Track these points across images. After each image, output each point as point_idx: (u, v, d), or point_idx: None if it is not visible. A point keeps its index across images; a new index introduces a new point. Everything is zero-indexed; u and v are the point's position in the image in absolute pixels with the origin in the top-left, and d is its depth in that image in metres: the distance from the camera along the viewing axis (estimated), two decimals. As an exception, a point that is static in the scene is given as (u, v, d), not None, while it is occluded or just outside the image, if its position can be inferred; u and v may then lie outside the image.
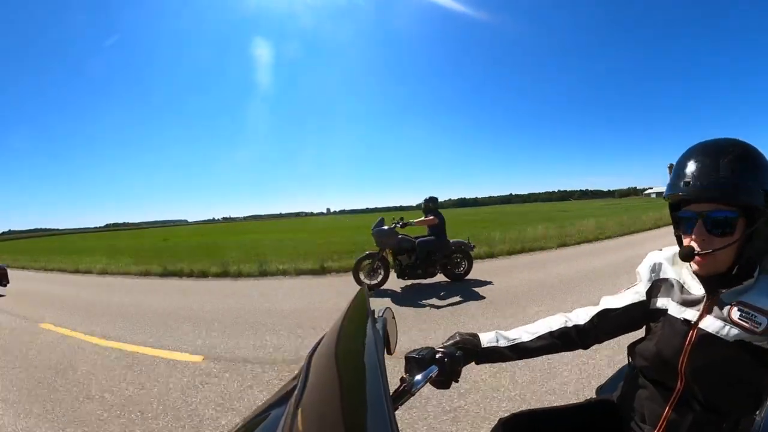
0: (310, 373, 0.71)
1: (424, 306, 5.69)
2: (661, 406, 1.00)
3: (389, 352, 0.90)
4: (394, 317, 0.99)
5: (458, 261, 7.30)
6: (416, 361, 0.93)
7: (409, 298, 6.27)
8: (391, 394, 0.78)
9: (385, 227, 6.92)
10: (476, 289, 6.49)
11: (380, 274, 6.85)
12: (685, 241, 0.95)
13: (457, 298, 5.97)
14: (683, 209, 0.95)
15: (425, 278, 7.04)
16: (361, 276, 6.82)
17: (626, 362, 1.20)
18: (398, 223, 7.06)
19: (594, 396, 1.35)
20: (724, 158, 0.88)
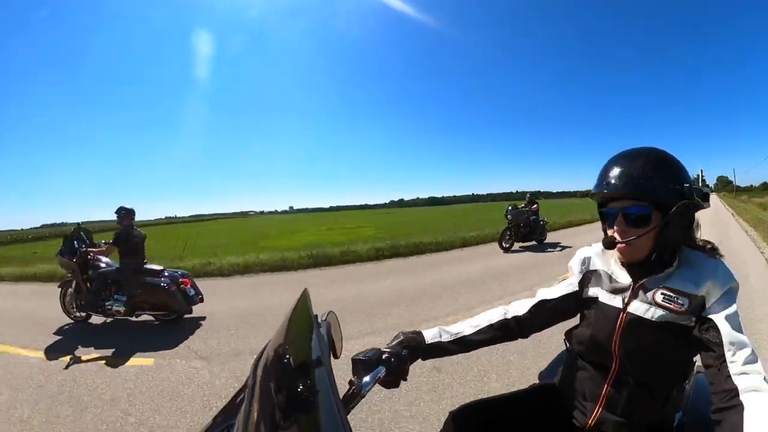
0: (257, 383, 0.67)
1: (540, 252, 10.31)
2: (600, 384, 1.08)
3: (335, 356, 0.89)
4: (337, 320, 0.98)
5: (542, 231, 11.69)
6: (363, 363, 0.93)
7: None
8: (341, 398, 0.76)
9: (519, 210, 11.19)
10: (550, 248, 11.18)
11: (511, 240, 10.71)
12: (609, 233, 1.05)
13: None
14: (607, 206, 1.06)
15: (531, 241, 11.29)
16: (503, 243, 10.63)
17: (564, 348, 1.28)
18: (525, 207, 11.45)
19: (537, 381, 1.43)
20: (639, 162, 1.00)
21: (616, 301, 1.06)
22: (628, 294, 1.05)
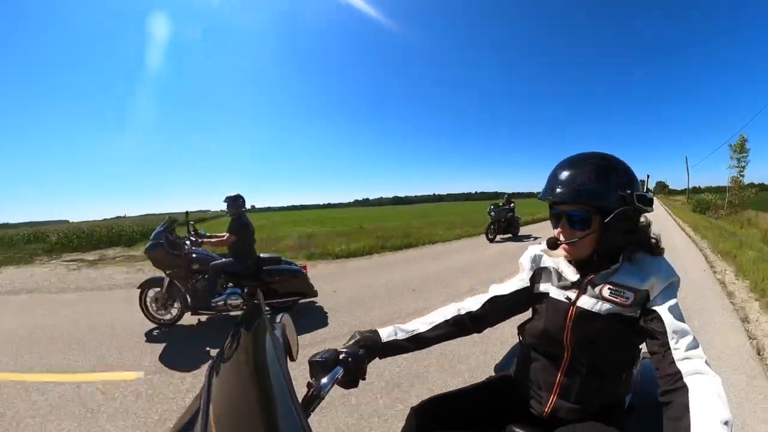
0: (212, 392, 0.65)
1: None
2: (553, 374, 1.15)
3: (292, 359, 0.88)
4: (291, 322, 0.97)
5: (517, 225, 13.34)
6: (320, 365, 0.93)
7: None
8: (300, 401, 0.75)
9: (500, 208, 12.70)
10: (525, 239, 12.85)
11: (495, 233, 12.50)
12: (554, 233, 1.12)
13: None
14: (554, 208, 1.12)
15: (509, 234, 13.07)
16: (488, 235, 12.52)
17: (517, 341, 1.34)
18: (504, 205, 12.90)
19: (493, 374, 1.48)
20: (583, 169, 1.05)
21: (566, 296, 1.13)
22: (576, 289, 1.12)
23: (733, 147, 26.42)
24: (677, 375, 0.89)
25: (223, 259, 4.74)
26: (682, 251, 9.49)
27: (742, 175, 26.59)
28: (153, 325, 4.60)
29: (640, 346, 1.15)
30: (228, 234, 4.71)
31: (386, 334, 1.10)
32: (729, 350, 3.49)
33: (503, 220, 12.67)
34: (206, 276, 4.65)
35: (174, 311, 4.65)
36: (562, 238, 1.09)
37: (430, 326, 1.16)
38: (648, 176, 1.18)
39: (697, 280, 6.17)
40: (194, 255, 4.69)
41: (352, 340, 1.05)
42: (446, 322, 1.17)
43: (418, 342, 1.13)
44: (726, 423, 0.76)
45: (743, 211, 24.36)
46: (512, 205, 13.19)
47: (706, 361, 0.90)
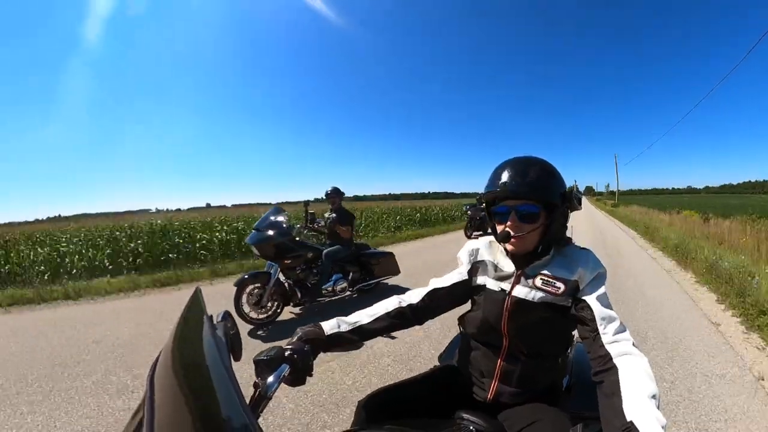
0: (156, 398, 0.61)
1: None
2: (494, 361, 1.22)
3: (236, 359, 0.85)
4: (234, 320, 0.93)
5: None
6: (266, 363, 0.91)
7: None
8: (248, 403, 0.74)
9: (476, 207, 13.15)
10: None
11: (471, 229, 13.14)
12: (499, 228, 1.18)
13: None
14: (498, 205, 1.19)
15: (480, 231, 13.06)
16: (467, 232, 13.12)
17: (458, 332, 1.41)
18: (479, 204, 12.13)
19: (437, 364, 1.53)
20: (530, 168, 1.15)
21: (502, 287, 1.20)
22: (512, 280, 1.20)
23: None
24: (607, 357, 0.98)
25: (332, 247, 4.96)
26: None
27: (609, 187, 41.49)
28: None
29: (573, 332, 1.25)
30: (345, 226, 5.05)
31: (329, 327, 1.10)
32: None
33: (478, 218, 13.30)
34: (312, 266, 4.77)
35: (270, 308, 4.39)
36: (512, 231, 1.15)
37: (372, 318, 1.17)
38: (575, 181, 1.35)
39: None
40: (308, 244, 4.84)
41: (296, 336, 1.04)
42: (388, 314, 1.19)
43: (361, 334, 1.14)
44: (653, 396, 0.85)
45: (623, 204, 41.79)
46: (483, 204, 14.02)
47: (633, 343, 1.01)
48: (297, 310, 4.83)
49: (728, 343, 3.66)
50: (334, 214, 5.19)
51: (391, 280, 5.71)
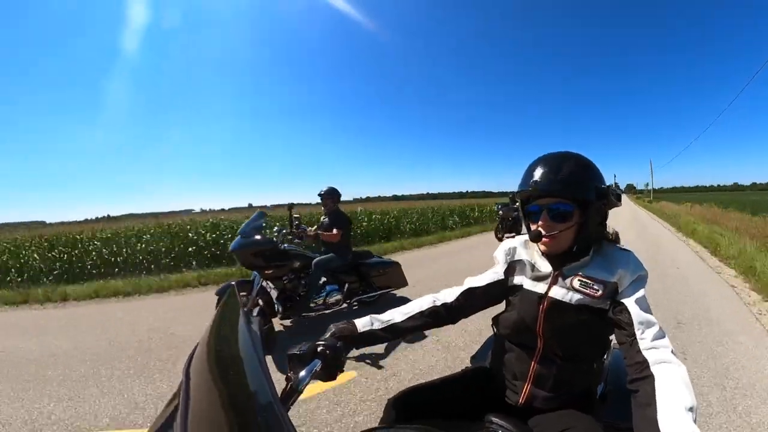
0: (191, 389, 0.64)
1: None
2: (528, 363, 1.18)
3: (269, 352, 0.87)
4: (269, 315, 0.96)
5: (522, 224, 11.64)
6: (298, 358, 0.93)
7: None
8: (279, 395, 0.75)
9: (508, 206, 12.28)
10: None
11: (503, 231, 12.25)
12: (533, 227, 1.15)
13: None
14: (531, 203, 1.16)
15: (513, 232, 12.02)
16: (497, 234, 12.46)
17: (492, 332, 1.37)
18: (512, 203, 11.79)
19: (469, 365, 1.51)
20: (563, 164, 1.11)
21: (539, 288, 1.17)
22: (549, 281, 1.16)
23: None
24: (644, 364, 0.93)
25: (324, 256, 4.42)
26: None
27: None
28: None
29: (611, 337, 1.19)
30: (337, 230, 4.48)
31: (362, 324, 1.10)
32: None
33: (510, 218, 12.31)
34: (301, 275, 4.27)
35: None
36: (544, 231, 1.12)
37: (406, 316, 1.17)
38: (615, 176, 1.28)
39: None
40: (295, 252, 4.29)
41: (329, 333, 1.05)
42: (422, 313, 1.19)
43: (393, 332, 1.14)
44: (691, 409, 0.79)
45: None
46: (517, 204, 12.95)
47: (672, 351, 0.95)
48: (287, 322, 4.37)
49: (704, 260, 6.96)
50: (327, 219, 4.64)
51: (399, 292, 5.17)
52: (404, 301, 4.41)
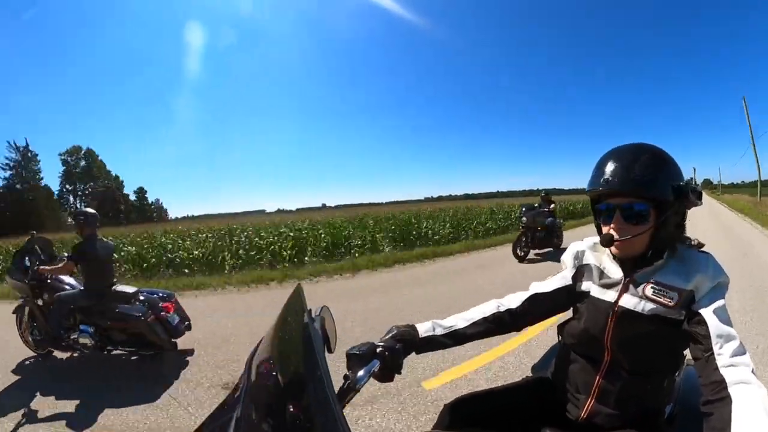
0: (252, 379, 0.67)
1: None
2: (592, 376, 1.10)
3: (330, 351, 0.89)
4: (331, 314, 0.98)
5: (560, 234, 9.50)
6: (358, 357, 0.94)
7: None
8: (336, 392, 0.77)
9: (536, 210, 9.12)
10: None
11: (527, 247, 8.67)
12: (605, 230, 1.05)
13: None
14: (602, 202, 1.06)
15: (548, 247, 9.13)
16: (518, 251, 8.59)
17: (556, 341, 1.30)
18: (545, 205, 9.46)
19: (530, 374, 1.44)
20: (637, 159, 0.99)
21: (608, 295, 1.08)
22: (619, 288, 1.06)
23: None
24: (721, 384, 0.83)
25: (71, 291, 3.89)
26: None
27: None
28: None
29: (685, 352, 1.07)
30: (67, 260, 3.81)
31: (424, 329, 1.09)
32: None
33: (539, 228, 8.77)
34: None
35: (31, 343, 4.08)
36: (616, 234, 1.01)
37: (469, 322, 1.13)
38: (695, 170, 1.13)
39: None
40: (50, 281, 3.96)
41: (390, 334, 1.05)
42: (485, 318, 1.14)
43: (456, 338, 1.11)
44: None
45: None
46: (552, 206, 9.44)
47: (752, 370, 0.83)
48: (41, 352, 4.08)
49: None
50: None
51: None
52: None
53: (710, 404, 0.82)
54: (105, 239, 4.09)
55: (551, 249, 9.18)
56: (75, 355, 4.00)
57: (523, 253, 8.57)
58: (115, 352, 3.88)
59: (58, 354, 4.04)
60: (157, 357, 3.79)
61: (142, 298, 3.90)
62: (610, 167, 1.01)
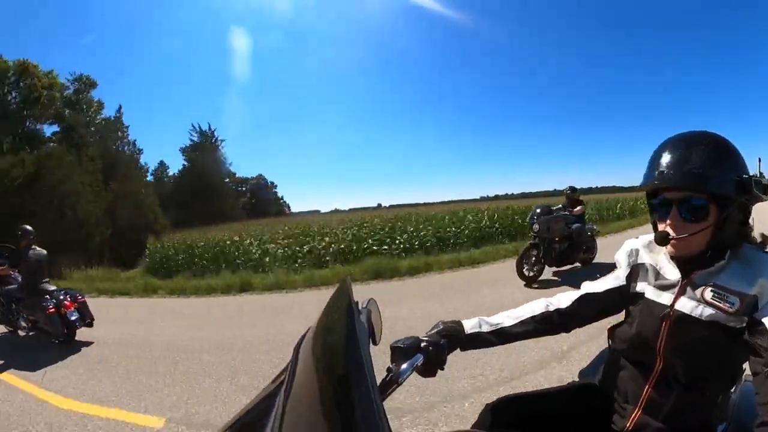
0: (298, 367, 0.71)
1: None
2: (642, 385, 1.03)
3: (374, 343, 0.90)
4: (378, 307, 1.00)
5: (591, 246, 7.16)
6: (401, 351, 0.94)
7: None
8: (378, 384, 0.79)
9: (552, 214, 6.63)
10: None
11: (539, 264, 6.28)
12: (660, 227, 0.98)
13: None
14: (658, 197, 0.99)
15: (573, 263, 6.89)
16: (524, 269, 6.20)
17: (606, 346, 1.24)
18: (564, 208, 7.09)
19: (577, 379, 1.39)
20: (695, 149, 0.92)
21: (664, 298, 1.01)
22: (676, 290, 0.99)
23: None
24: None
25: (14, 286, 5.42)
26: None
27: None
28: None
29: (744, 365, 0.97)
30: (5, 264, 5.51)
31: (470, 326, 1.07)
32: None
33: (557, 238, 6.40)
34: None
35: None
36: (672, 232, 0.94)
37: (517, 321, 1.11)
38: (759, 161, 1.02)
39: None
40: (6, 278, 5.50)
41: (435, 329, 1.04)
42: (533, 318, 1.11)
43: (502, 337, 1.09)
44: None
45: None
46: (579, 208, 7.13)
47: None
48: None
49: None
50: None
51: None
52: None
53: (765, 426, 0.75)
54: (37, 249, 5.34)
55: (578, 265, 7.00)
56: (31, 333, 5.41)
57: (532, 274, 6.21)
58: (31, 333, 5.26)
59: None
60: (68, 342, 4.92)
61: (59, 295, 5.02)
62: (665, 158, 0.94)
